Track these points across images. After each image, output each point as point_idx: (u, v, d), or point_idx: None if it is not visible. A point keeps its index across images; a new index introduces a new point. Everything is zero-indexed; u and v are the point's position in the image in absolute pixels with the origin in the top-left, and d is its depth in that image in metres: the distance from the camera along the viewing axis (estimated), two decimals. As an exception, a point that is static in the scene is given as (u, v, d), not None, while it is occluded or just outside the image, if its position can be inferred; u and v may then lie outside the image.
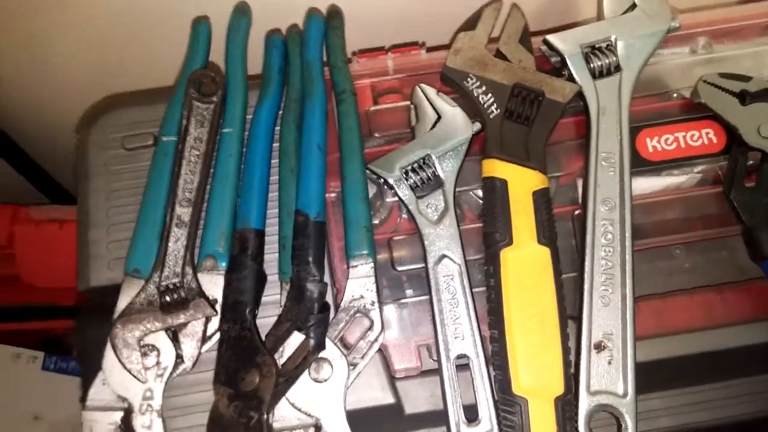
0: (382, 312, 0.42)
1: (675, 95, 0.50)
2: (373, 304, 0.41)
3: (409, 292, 0.44)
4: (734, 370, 0.44)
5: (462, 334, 0.41)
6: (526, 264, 0.42)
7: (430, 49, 0.52)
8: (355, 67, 0.50)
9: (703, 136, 0.48)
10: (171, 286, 0.39)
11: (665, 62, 0.51)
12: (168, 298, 0.39)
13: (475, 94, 0.47)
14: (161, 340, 0.38)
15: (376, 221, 0.46)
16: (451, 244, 0.43)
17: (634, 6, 0.49)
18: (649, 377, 0.43)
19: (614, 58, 0.48)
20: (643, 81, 0.50)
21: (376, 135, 0.48)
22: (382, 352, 0.42)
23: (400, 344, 0.42)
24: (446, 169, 0.45)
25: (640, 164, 0.48)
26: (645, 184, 0.48)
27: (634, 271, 0.45)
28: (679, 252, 0.50)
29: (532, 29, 0.50)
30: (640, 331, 0.44)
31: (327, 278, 0.43)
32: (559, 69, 0.49)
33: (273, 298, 0.42)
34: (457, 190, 0.46)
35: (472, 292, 0.42)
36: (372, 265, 0.42)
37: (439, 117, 0.46)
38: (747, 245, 0.45)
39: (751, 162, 0.47)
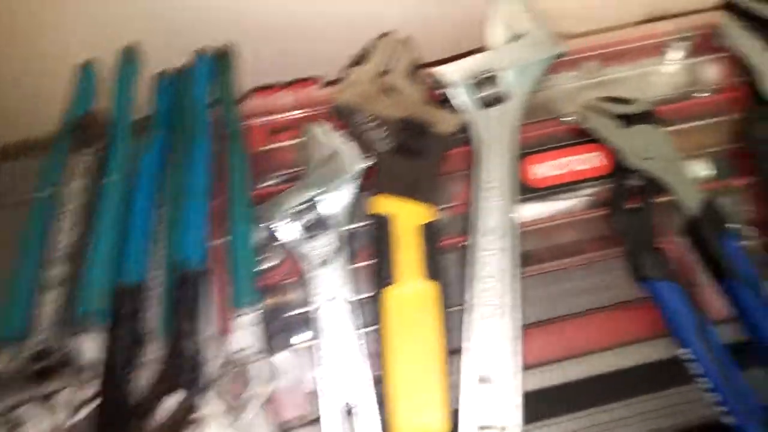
0: (271, 360, 0.41)
1: (564, 120, 0.51)
2: (260, 353, 0.41)
3: (301, 336, 0.44)
4: (627, 390, 0.45)
5: (350, 378, 0.41)
6: (408, 301, 0.42)
7: (329, 83, 0.52)
8: (251, 105, 0.50)
9: (591, 159, 0.49)
10: (43, 352, 0.38)
11: (556, 87, 0.53)
12: (40, 365, 0.38)
13: (365, 129, 0.47)
14: (32, 411, 0.37)
15: (269, 264, 0.46)
16: (341, 285, 0.43)
17: (520, 35, 0.50)
18: (540, 405, 0.44)
19: (500, 88, 0.49)
20: (533, 107, 0.51)
21: (271, 175, 0.48)
22: (272, 401, 0.42)
23: (290, 392, 0.42)
24: (335, 208, 0.45)
25: (528, 191, 0.49)
26: (535, 211, 0.49)
27: (529, 298, 0.46)
28: (573, 275, 0.50)
29: (445, 55, 0.51)
30: (531, 359, 0.45)
31: (212, 329, 0.42)
32: (447, 100, 0.49)
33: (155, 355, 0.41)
34: (353, 226, 0.46)
35: (363, 334, 0.43)
36: (258, 312, 0.42)
37: (331, 154, 0.47)
38: (629, 266, 0.46)
39: (636, 183, 0.48)
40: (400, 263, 0.43)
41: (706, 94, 0.52)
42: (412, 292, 0.43)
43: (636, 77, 0.53)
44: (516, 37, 0.50)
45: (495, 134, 0.48)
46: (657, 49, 0.53)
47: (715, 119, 0.51)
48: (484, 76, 0.49)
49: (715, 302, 0.46)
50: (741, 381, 0.43)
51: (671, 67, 0.53)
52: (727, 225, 0.46)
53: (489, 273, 0.44)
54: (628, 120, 0.48)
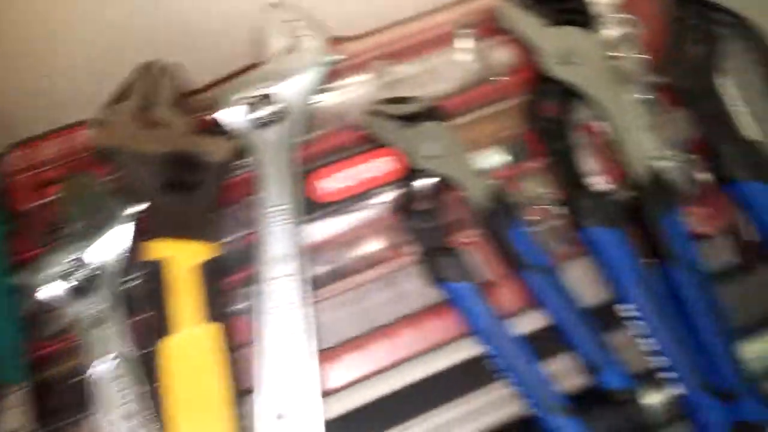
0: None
1: (351, 128, 0.49)
2: (32, 432, 0.38)
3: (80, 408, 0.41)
4: (440, 396, 0.44)
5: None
6: (187, 349, 0.40)
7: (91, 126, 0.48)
8: (13, 161, 0.47)
9: (382, 166, 0.48)
10: None
11: (344, 93, 0.50)
12: None
13: (130, 170, 0.44)
14: None
15: (56, 329, 0.43)
16: (117, 344, 0.41)
17: (292, 45, 0.48)
18: (350, 428, 0.43)
19: (276, 105, 0.46)
20: (319, 118, 0.49)
21: (42, 233, 0.45)
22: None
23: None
24: (106, 261, 0.43)
25: (318, 208, 0.47)
26: (328, 228, 0.47)
27: (331, 319, 0.45)
28: (376, 286, 0.49)
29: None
30: (337, 383, 0.43)
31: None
32: (219, 126, 0.47)
33: None
34: (129, 278, 0.44)
35: (145, 393, 0.40)
36: (25, 390, 0.39)
37: (95, 202, 0.44)
38: (425, 270, 0.45)
39: (427, 184, 0.47)
40: (177, 310, 0.41)
41: (502, 79, 0.51)
42: (190, 338, 0.41)
43: (428, 71, 0.51)
44: (288, 49, 0.47)
45: (275, 154, 0.46)
46: (446, 40, 0.51)
47: (510, 103, 0.50)
48: (258, 93, 0.46)
49: (514, 294, 0.45)
50: (538, 372, 0.42)
51: (462, 56, 0.51)
52: (516, 214, 0.45)
53: (277, 303, 0.43)
54: (411, 119, 0.47)
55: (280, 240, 0.44)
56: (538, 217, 0.47)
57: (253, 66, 0.47)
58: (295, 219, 0.44)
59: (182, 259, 0.42)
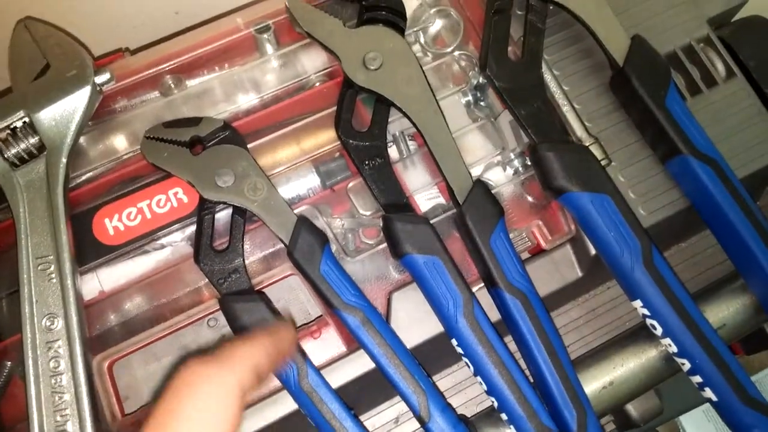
0: None
1: (126, 157, 0.42)
2: None
3: None
4: None
5: None
6: None
7: None
8: None
9: (172, 198, 0.41)
10: None
11: (137, 114, 0.43)
12: None
13: None
14: None
15: None
16: None
17: (47, 67, 0.40)
18: None
19: (35, 138, 0.39)
20: (97, 148, 0.42)
21: None
22: None
23: None
24: None
25: (103, 252, 0.40)
26: (119, 273, 0.41)
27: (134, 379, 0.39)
28: (213, 323, 0.44)
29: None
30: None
31: None
32: (-36, 168, 0.39)
33: None
34: None
35: None
36: None
37: None
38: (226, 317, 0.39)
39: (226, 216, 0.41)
40: None
41: (315, 85, 0.45)
42: None
43: (220, 83, 0.44)
44: (45, 69, 0.40)
45: (36, 196, 0.38)
46: (247, 46, 0.45)
47: (322, 114, 0.44)
48: (12, 126, 0.39)
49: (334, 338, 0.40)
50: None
51: (266, 63, 0.45)
52: (326, 246, 0.39)
53: (52, 369, 0.36)
54: (198, 144, 0.40)
55: (48, 297, 0.37)
56: (355, 247, 0.42)
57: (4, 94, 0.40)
58: (62, 271, 0.37)
59: None
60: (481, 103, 0.45)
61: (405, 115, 0.41)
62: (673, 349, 0.38)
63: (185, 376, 0.28)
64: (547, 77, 0.43)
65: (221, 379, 0.29)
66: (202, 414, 0.28)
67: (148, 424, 0.27)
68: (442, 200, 0.43)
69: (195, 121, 0.40)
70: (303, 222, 0.39)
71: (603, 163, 0.41)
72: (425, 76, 0.41)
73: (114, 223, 0.40)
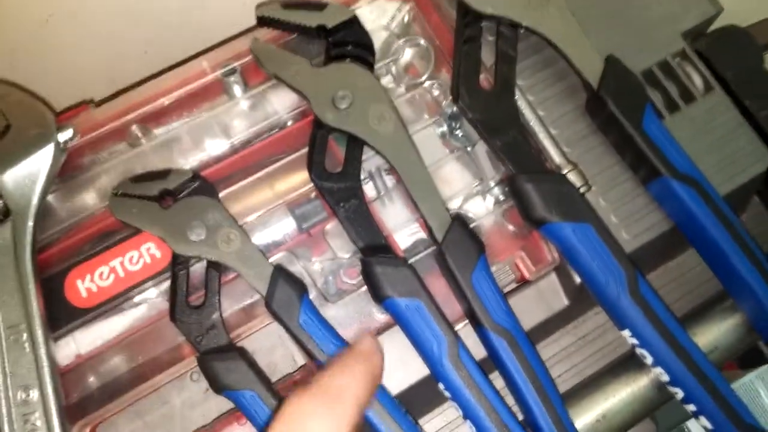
0: None
1: (96, 214, 0.41)
2: None
3: None
4: None
5: None
6: None
7: None
8: None
9: (144, 254, 0.40)
10: None
11: (105, 168, 0.42)
12: None
13: None
14: None
15: None
16: None
17: (8, 127, 0.39)
18: None
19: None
20: (63, 208, 0.41)
21: None
22: None
23: None
24: None
25: (77, 315, 0.39)
26: (93, 336, 0.40)
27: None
28: (196, 377, 0.43)
29: None
30: None
31: None
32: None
33: None
34: None
35: None
36: None
37: None
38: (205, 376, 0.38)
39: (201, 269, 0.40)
40: None
41: (287, 124, 0.44)
42: None
43: (190, 130, 0.43)
44: (4, 132, 0.39)
45: (5, 262, 0.37)
46: (212, 90, 0.44)
47: (295, 156, 0.43)
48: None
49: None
50: None
51: (235, 106, 0.44)
52: (304, 295, 0.38)
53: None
54: (168, 197, 0.39)
55: (22, 366, 0.36)
56: (336, 290, 0.41)
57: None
58: (34, 339, 0.36)
59: None
60: (458, 132, 0.44)
61: (378, 152, 0.40)
62: (665, 378, 0.38)
63: (294, 412, 0.29)
64: (522, 104, 0.42)
65: (333, 416, 0.29)
66: None
67: None
68: (423, 235, 0.43)
69: (163, 174, 0.39)
70: (279, 271, 0.38)
71: (583, 189, 0.41)
72: (397, 112, 0.40)
73: (86, 284, 0.39)
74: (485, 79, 0.42)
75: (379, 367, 0.33)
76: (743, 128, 0.43)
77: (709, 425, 0.37)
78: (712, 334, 0.42)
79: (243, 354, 0.37)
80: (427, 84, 0.44)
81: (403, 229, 0.42)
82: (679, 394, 0.38)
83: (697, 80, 0.44)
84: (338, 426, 0.28)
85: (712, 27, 0.48)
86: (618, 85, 0.40)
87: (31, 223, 0.38)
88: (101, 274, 0.39)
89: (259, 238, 0.41)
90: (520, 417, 0.38)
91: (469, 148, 0.44)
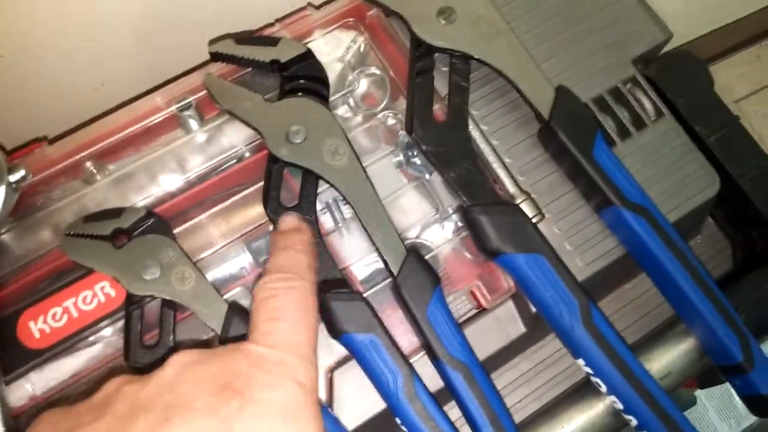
0: None
1: (50, 253, 0.41)
2: None
3: None
4: None
5: None
6: None
7: None
8: None
9: (99, 294, 0.40)
10: None
11: (60, 206, 0.42)
12: None
13: None
14: None
15: None
16: None
17: (-43, 169, 0.39)
18: None
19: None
20: (17, 247, 0.41)
21: None
22: None
23: None
24: None
25: (31, 357, 0.39)
26: (49, 375, 0.39)
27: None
28: None
29: None
30: None
31: None
32: None
33: None
34: None
35: None
36: None
37: None
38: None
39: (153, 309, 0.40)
40: None
41: (244, 156, 0.44)
42: None
43: (145, 166, 0.43)
44: (-47, 174, 0.39)
45: (-46, 307, 0.37)
46: (167, 124, 0.44)
47: (252, 189, 0.43)
48: None
49: None
50: None
51: (191, 141, 0.44)
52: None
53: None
54: (122, 237, 0.39)
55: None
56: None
57: None
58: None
59: None
60: (415, 161, 0.45)
61: (333, 186, 0.40)
62: (619, 406, 0.38)
63: (265, 295, 0.33)
64: (475, 134, 0.43)
65: (297, 288, 0.34)
66: None
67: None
68: (381, 265, 0.43)
69: (117, 213, 0.39)
70: (234, 309, 0.38)
71: (536, 219, 0.41)
72: (351, 146, 0.40)
73: (39, 325, 0.39)
74: (439, 109, 0.43)
75: (308, 233, 0.38)
76: (693, 153, 0.44)
77: (662, 452, 0.38)
78: (666, 359, 0.42)
79: (199, 393, 0.37)
80: (383, 114, 0.45)
81: (361, 259, 0.42)
82: (633, 421, 0.38)
83: (648, 106, 0.45)
84: (307, 293, 0.34)
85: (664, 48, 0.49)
86: (568, 115, 0.41)
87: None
88: (54, 315, 0.39)
89: (216, 273, 0.41)
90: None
91: (427, 176, 0.44)
